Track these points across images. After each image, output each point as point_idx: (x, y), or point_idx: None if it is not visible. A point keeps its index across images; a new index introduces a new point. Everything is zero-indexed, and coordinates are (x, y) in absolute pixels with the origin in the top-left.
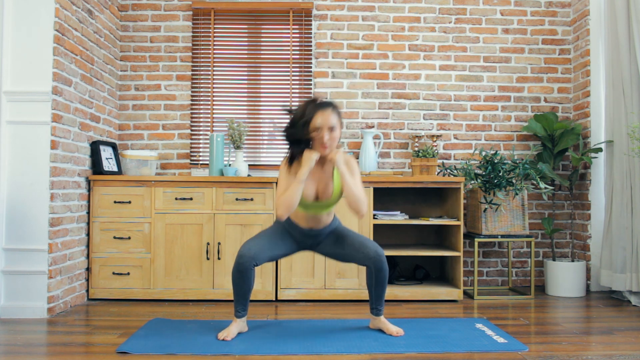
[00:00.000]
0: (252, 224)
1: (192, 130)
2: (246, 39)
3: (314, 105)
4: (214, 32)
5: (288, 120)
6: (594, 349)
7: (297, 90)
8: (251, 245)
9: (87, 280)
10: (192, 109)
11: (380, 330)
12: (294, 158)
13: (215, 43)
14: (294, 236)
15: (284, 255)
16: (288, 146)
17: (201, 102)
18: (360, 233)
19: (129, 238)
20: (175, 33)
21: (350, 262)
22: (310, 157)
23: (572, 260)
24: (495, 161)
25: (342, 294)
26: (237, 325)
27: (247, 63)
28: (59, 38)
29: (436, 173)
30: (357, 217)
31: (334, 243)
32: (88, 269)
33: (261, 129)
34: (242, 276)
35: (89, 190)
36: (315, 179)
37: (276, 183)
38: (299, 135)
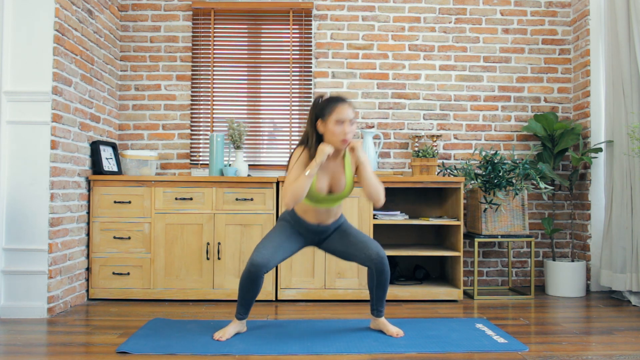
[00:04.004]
0: (252, 224)
1: (192, 130)
2: (246, 39)
3: (330, 99)
4: (214, 32)
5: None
6: (594, 349)
7: (297, 90)
8: (264, 252)
9: (87, 280)
10: (192, 109)
11: (381, 331)
12: (309, 151)
13: (215, 43)
14: (301, 233)
15: (292, 255)
16: (309, 138)
17: (201, 102)
18: (358, 223)
19: (129, 238)
20: (175, 33)
21: (353, 261)
22: (324, 150)
23: (572, 260)
24: (495, 161)
25: (342, 294)
26: (236, 326)
27: (247, 63)
28: (59, 38)
29: (436, 173)
30: (377, 205)
31: (338, 240)
32: (88, 269)
33: (261, 129)
34: (253, 284)
35: (89, 190)
36: (328, 172)
37: (276, 183)
38: (317, 130)
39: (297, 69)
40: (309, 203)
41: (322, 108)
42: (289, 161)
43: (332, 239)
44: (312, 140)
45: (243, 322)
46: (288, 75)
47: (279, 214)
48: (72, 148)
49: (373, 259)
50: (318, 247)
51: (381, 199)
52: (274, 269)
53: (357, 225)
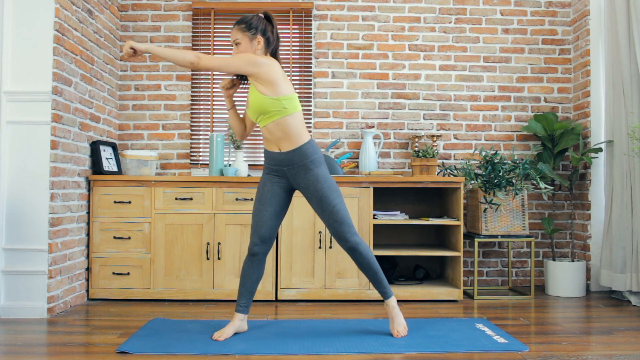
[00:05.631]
0: None
1: (192, 130)
2: None
3: None
4: (214, 32)
5: None
6: (594, 349)
7: (297, 90)
8: (252, 232)
9: (87, 280)
10: (192, 109)
11: (382, 331)
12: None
13: (215, 43)
14: (272, 171)
15: (282, 209)
16: None
17: (201, 102)
18: (358, 223)
19: (129, 238)
20: (175, 33)
21: None
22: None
23: (572, 260)
24: (495, 161)
25: (342, 294)
26: (234, 325)
27: None
28: (59, 38)
29: (436, 173)
30: (191, 67)
31: (313, 203)
32: (88, 269)
33: None
34: (256, 268)
35: (89, 190)
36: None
37: None
38: None
39: (297, 69)
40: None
41: None
42: None
43: (308, 195)
44: None
45: (243, 318)
46: (288, 75)
47: None
48: (72, 148)
49: (344, 246)
50: (302, 193)
51: (186, 59)
52: (274, 269)
53: (357, 225)
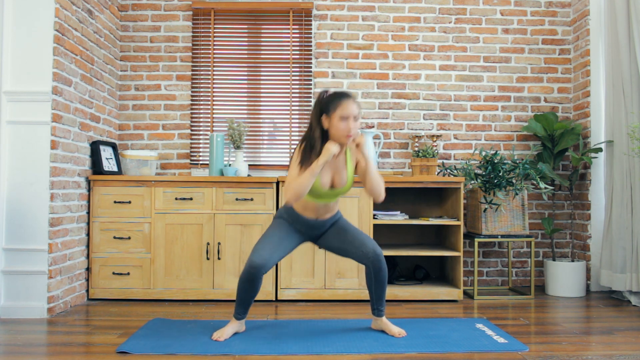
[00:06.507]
0: (252, 224)
1: (192, 130)
2: (246, 39)
3: (334, 95)
4: (214, 32)
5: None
6: (594, 349)
7: (297, 90)
8: (262, 253)
9: (87, 280)
10: (192, 109)
11: (382, 331)
12: (313, 147)
13: (215, 43)
14: (297, 229)
15: (291, 252)
16: (310, 134)
17: (201, 102)
18: (358, 223)
19: (129, 238)
20: (175, 33)
21: (349, 257)
22: (330, 149)
23: (572, 260)
24: (495, 161)
25: (342, 294)
26: (234, 327)
27: (247, 63)
28: (59, 38)
29: (436, 173)
30: (377, 201)
31: (335, 236)
32: (88, 269)
33: (261, 129)
34: (252, 285)
35: (89, 190)
36: (331, 167)
37: (276, 183)
38: (321, 125)
39: (297, 69)
40: (309, 198)
41: (327, 103)
42: (291, 156)
43: (329, 234)
44: (315, 134)
45: (242, 321)
46: (288, 75)
47: None
48: (72, 148)
49: (370, 257)
50: (315, 243)
51: (382, 194)
52: (274, 268)
53: (357, 224)
